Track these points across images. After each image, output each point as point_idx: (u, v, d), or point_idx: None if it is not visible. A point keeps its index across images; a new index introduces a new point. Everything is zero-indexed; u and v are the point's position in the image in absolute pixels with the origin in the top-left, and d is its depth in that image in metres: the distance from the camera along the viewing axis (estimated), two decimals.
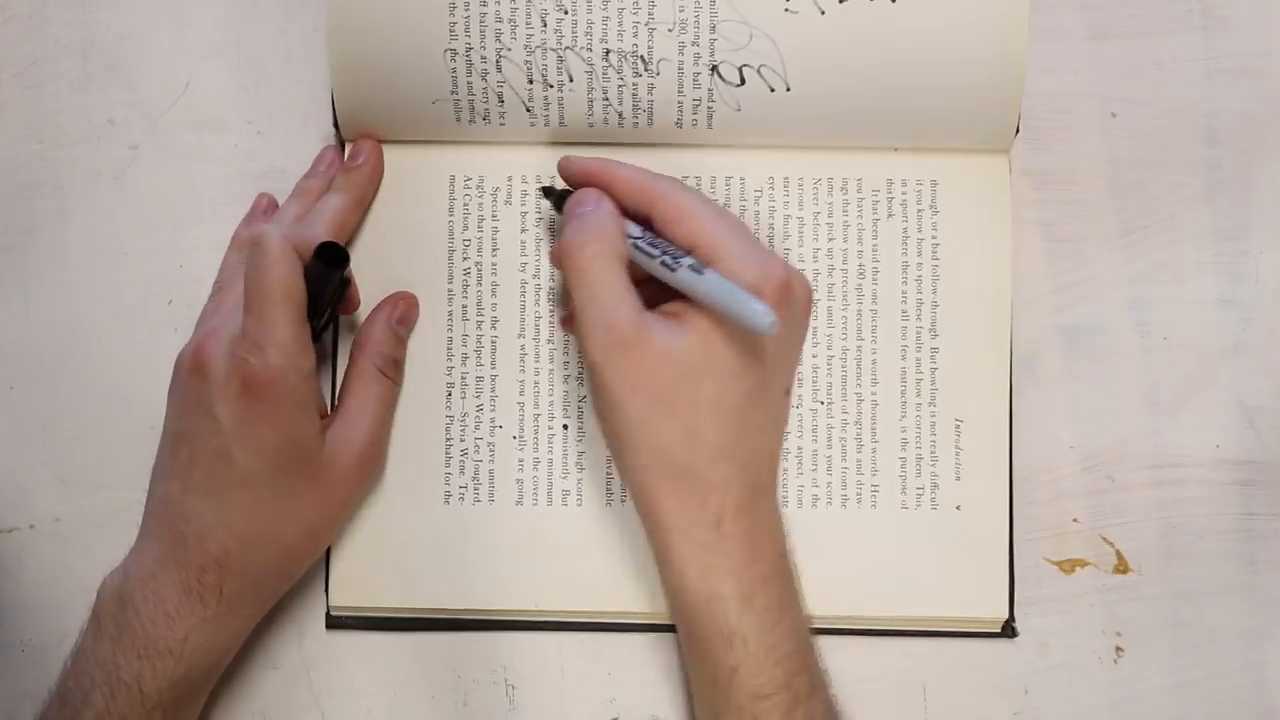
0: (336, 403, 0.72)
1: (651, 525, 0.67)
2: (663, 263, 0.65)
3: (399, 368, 0.74)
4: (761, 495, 0.67)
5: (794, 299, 0.65)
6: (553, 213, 0.75)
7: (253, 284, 0.66)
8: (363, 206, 0.75)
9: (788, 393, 0.69)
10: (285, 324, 0.66)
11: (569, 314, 0.73)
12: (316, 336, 0.70)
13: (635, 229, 0.67)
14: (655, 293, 0.67)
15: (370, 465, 0.72)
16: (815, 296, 0.75)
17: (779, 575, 0.67)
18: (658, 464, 0.65)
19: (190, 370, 0.68)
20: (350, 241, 0.75)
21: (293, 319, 0.66)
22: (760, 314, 0.61)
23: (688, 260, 0.64)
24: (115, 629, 0.67)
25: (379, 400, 0.72)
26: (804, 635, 0.68)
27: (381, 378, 0.72)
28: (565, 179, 0.72)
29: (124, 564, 0.69)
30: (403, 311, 0.74)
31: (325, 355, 0.75)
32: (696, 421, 0.64)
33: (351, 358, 0.73)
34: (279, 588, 0.71)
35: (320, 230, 0.71)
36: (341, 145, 0.77)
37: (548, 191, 0.74)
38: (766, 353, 0.65)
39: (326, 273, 0.68)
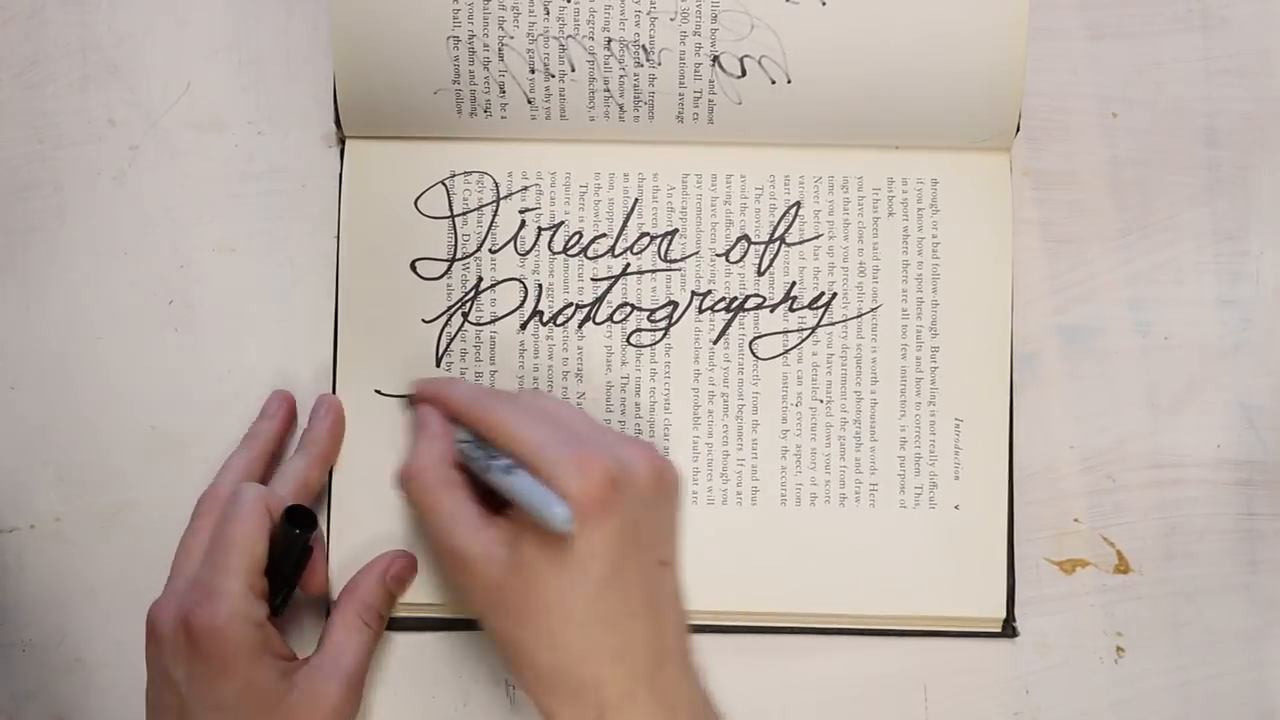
0: (317, 645, 0.71)
1: None
2: (482, 464, 0.66)
3: (382, 620, 0.73)
4: (645, 683, 0.64)
5: (628, 485, 0.63)
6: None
7: (219, 533, 0.68)
8: (327, 462, 0.75)
9: (663, 564, 0.66)
10: (239, 574, 0.67)
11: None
12: (275, 610, 0.70)
13: (465, 434, 0.68)
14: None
15: (344, 710, 0.69)
16: (820, 291, 0.76)
17: None
18: (529, 671, 0.65)
19: (147, 637, 0.68)
20: (318, 496, 0.75)
21: (247, 570, 0.67)
22: (555, 514, 0.60)
23: (501, 463, 0.65)
24: None
25: (358, 647, 0.71)
26: None
27: (363, 626, 0.71)
28: (416, 400, 0.73)
29: None
30: (399, 570, 0.74)
31: (285, 627, 0.74)
32: (550, 626, 0.63)
33: (338, 602, 0.73)
34: None
35: (286, 491, 0.72)
36: (341, 142, 0.77)
37: (410, 401, 0.75)
38: (602, 544, 0.63)
39: (292, 534, 0.69)
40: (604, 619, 0.63)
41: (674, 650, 0.66)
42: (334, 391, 0.76)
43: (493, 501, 0.66)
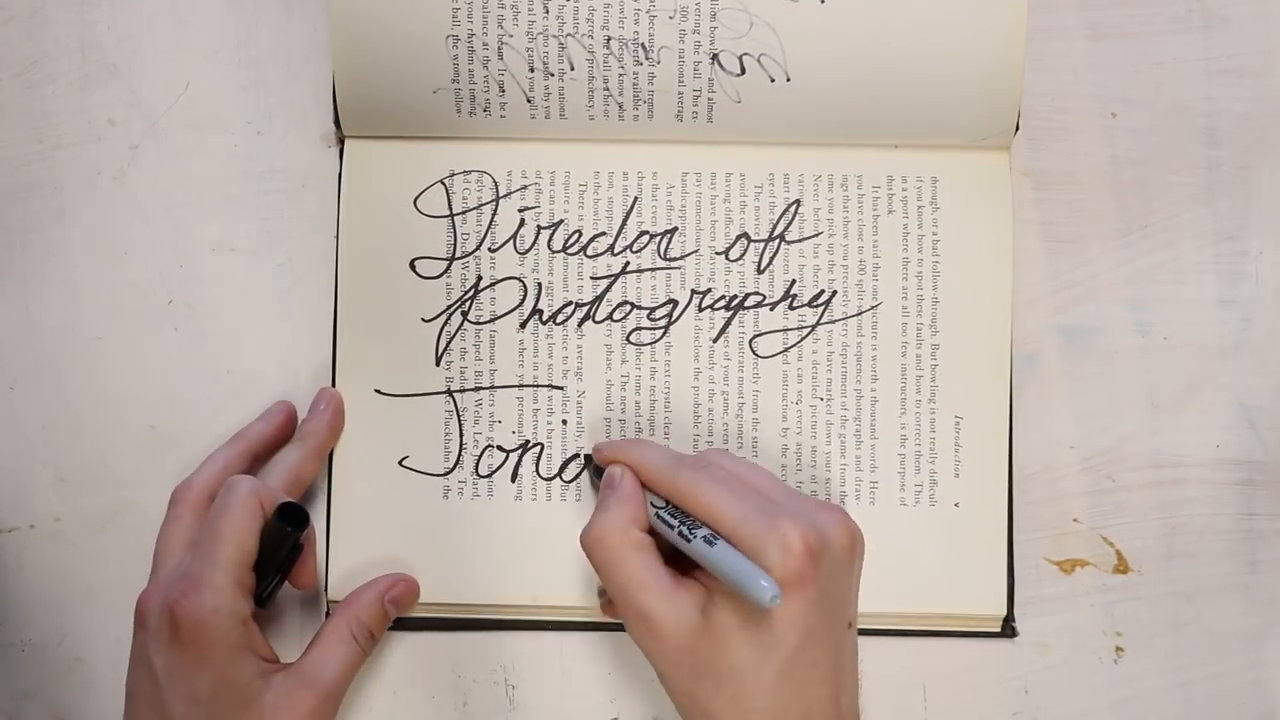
0: (304, 651, 0.71)
1: None
2: (680, 533, 0.66)
3: (373, 639, 0.72)
4: None
5: (826, 553, 0.64)
6: (591, 480, 0.76)
7: (210, 525, 0.68)
8: (322, 455, 0.75)
9: (850, 626, 0.68)
10: (227, 567, 0.67)
11: (608, 599, 0.73)
12: (262, 600, 0.70)
13: (659, 500, 0.68)
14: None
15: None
16: (820, 289, 0.76)
17: None
18: None
19: (135, 625, 0.68)
20: (311, 488, 0.75)
21: (235, 563, 0.67)
22: (763, 589, 0.61)
23: (702, 532, 0.65)
24: None
25: (342, 660, 0.70)
26: None
27: (352, 641, 0.71)
28: (598, 461, 0.73)
29: None
30: (399, 593, 0.74)
31: (272, 617, 0.75)
32: (739, 690, 0.64)
33: (333, 613, 0.73)
34: None
35: (279, 482, 0.72)
36: (341, 141, 0.77)
37: (588, 460, 0.75)
38: (800, 615, 0.64)
39: (284, 531, 0.69)
40: (792, 684, 0.64)
41: (848, 712, 0.67)
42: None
43: (679, 562, 0.67)
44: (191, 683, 0.66)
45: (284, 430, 0.76)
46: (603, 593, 0.73)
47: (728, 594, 0.64)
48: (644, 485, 0.69)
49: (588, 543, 0.67)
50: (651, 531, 0.68)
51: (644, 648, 0.66)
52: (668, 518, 0.67)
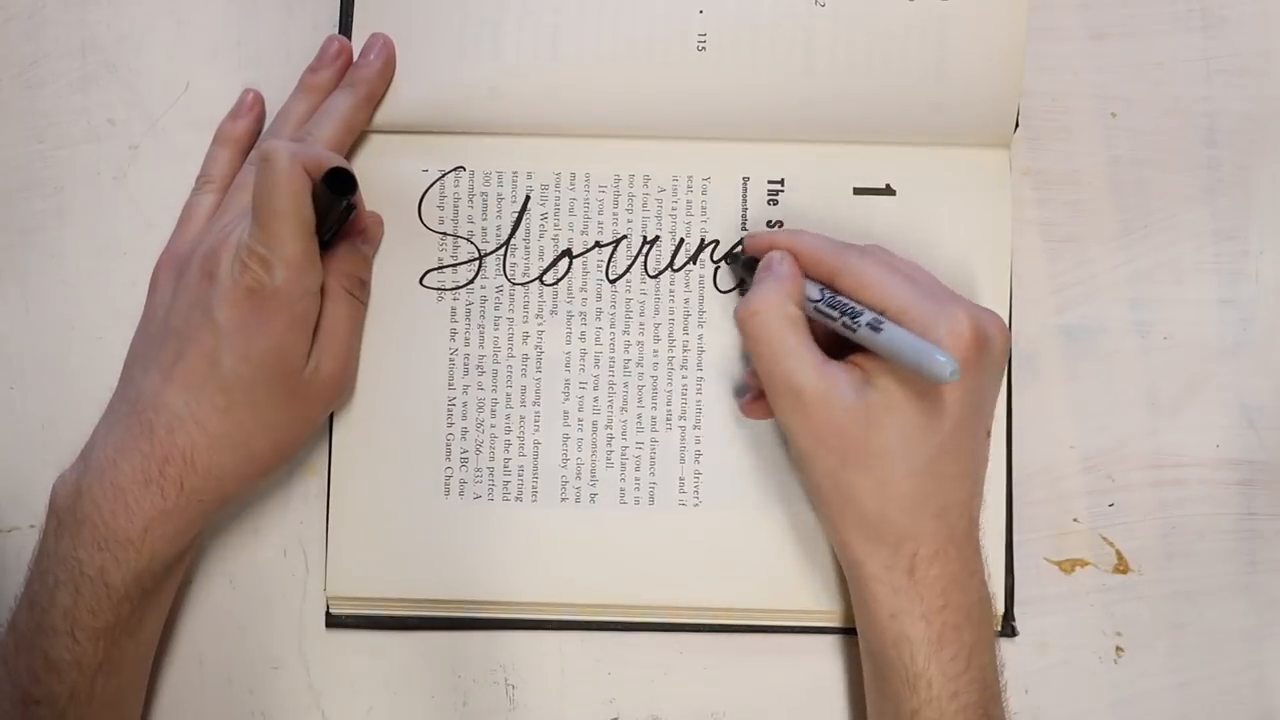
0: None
1: (848, 569, 0.69)
2: (844, 324, 0.66)
3: (365, 287, 0.74)
4: (956, 543, 0.67)
5: (988, 349, 0.65)
6: (735, 275, 0.76)
7: (262, 200, 0.67)
8: (373, 103, 0.75)
9: (988, 434, 0.69)
10: (294, 240, 0.67)
11: (753, 396, 0.73)
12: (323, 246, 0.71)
13: (815, 291, 0.69)
14: (843, 341, 0.68)
15: (342, 384, 0.73)
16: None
17: (971, 623, 0.67)
18: (851, 514, 0.67)
19: (199, 272, 0.69)
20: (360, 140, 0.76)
21: (301, 235, 0.67)
22: (941, 364, 0.61)
23: (866, 318, 0.65)
24: (74, 523, 0.67)
25: (349, 319, 0.72)
26: (991, 686, 0.68)
27: (350, 298, 0.72)
28: (750, 252, 0.73)
29: (82, 455, 0.69)
30: (366, 230, 0.75)
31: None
32: (885, 474, 0.65)
33: (325, 280, 0.72)
34: (238, 490, 0.70)
35: (330, 134, 0.73)
36: None
37: (732, 258, 0.75)
38: (956, 403, 0.65)
39: (333, 198, 0.68)
40: (937, 475, 0.65)
41: (975, 520, 0.68)
42: None
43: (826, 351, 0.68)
44: (250, 344, 0.67)
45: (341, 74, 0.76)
46: (742, 392, 0.74)
47: (886, 376, 0.65)
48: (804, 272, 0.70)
49: (743, 317, 0.68)
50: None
51: (790, 424, 0.67)
52: (827, 309, 0.67)
